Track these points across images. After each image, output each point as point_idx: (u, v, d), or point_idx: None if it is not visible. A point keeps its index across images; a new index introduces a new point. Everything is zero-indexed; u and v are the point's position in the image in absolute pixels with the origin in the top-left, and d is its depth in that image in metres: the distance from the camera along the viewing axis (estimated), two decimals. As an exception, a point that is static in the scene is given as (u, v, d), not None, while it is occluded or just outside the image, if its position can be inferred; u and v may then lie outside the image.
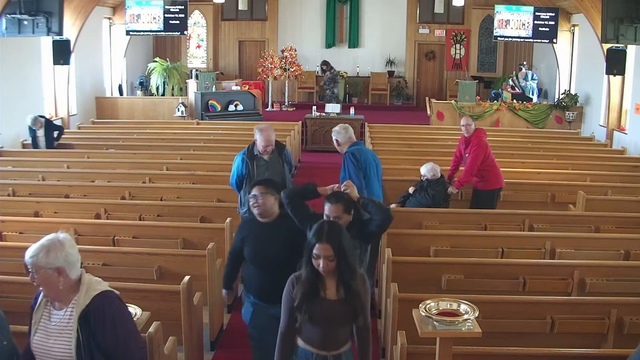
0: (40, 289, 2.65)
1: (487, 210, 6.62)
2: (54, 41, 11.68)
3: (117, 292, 2.75)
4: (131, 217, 6.15)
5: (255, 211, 3.80)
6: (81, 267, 2.71)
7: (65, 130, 11.43)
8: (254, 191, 3.78)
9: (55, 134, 9.95)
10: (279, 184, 4.09)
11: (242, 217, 5.42)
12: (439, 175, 6.68)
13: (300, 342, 3.00)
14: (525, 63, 15.32)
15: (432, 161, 8.61)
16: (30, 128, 9.71)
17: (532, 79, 14.47)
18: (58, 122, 11.80)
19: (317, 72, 16.95)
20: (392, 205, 6.76)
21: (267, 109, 16.75)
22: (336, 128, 5.53)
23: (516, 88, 14.52)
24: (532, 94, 14.33)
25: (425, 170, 6.66)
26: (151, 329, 3.25)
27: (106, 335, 2.58)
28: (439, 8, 17.80)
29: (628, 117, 11.72)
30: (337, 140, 5.50)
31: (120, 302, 2.72)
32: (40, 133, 9.72)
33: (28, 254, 2.60)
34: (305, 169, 11.33)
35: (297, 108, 16.51)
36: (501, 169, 8.16)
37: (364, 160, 5.28)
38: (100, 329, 2.58)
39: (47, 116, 12.15)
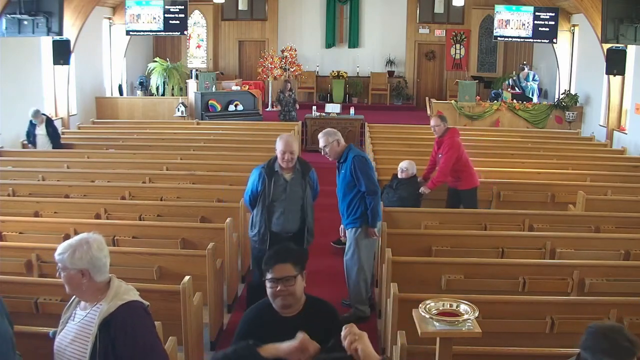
0: (66, 287, 2.63)
1: (487, 210, 6.61)
2: (54, 41, 11.68)
3: (146, 303, 2.69)
4: (131, 217, 6.14)
5: (277, 303, 2.68)
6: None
7: (65, 130, 11.45)
8: (275, 272, 2.67)
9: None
10: (302, 252, 2.86)
11: (251, 241, 4.99)
12: (413, 174, 6.69)
13: None
14: (526, 63, 15.28)
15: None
16: (30, 122, 9.66)
17: (533, 79, 14.46)
18: (57, 124, 11.83)
19: (281, 91, 14.08)
20: None
21: (267, 109, 16.76)
22: (329, 131, 5.17)
23: (516, 88, 14.52)
24: (532, 95, 14.33)
25: (408, 164, 6.67)
26: (151, 329, 3.23)
27: (127, 346, 2.51)
28: (439, 8, 17.81)
29: (628, 117, 11.72)
30: (338, 142, 5.12)
31: (145, 314, 2.66)
32: (40, 131, 9.65)
33: (57, 251, 2.60)
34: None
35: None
36: (501, 169, 8.22)
37: (370, 162, 5.24)
38: (121, 339, 2.51)
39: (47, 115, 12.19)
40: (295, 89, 14.58)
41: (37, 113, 9.61)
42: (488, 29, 17.12)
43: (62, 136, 10.66)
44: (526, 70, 14.59)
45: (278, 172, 4.75)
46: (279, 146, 4.72)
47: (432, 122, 6.83)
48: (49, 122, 9.86)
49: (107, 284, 2.64)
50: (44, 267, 4.87)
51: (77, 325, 2.60)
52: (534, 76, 14.49)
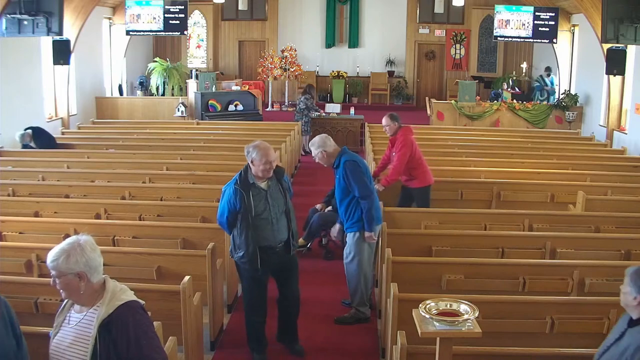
0: (62, 293, 2.60)
1: (487, 210, 6.60)
2: (54, 41, 11.68)
3: (142, 301, 2.69)
4: (131, 217, 6.15)
5: None
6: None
7: (65, 130, 11.45)
8: None
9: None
10: None
11: (236, 263, 4.59)
12: None
13: None
14: (550, 67, 14.97)
15: (432, 161, 8.65)
16: (24, 145, 9.55)
17: (551, 84, 14.30)
18: (55, 124, 11.82)
19: (299, 97, 12.94)
20: (317, 206, 6.86)
21: (267, 109, 16.76)
22: (316, 140, 5.15)
23: (542, 88, 14.30)
24: (537, 94, 14.24)
25: None
26: (151, 329, 3.23)
27: (129, 346, 2.51)
28: (439, 8, 17.81)
29: (628, 117, 11.72)
30: (325, 152, 5.09)
31: (143, 313, 2.66)
32: (34, 145, 9.55)
33: (49, 258, 2.55)
34: (305, 169, 11.33)
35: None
36: (501, 169, 8.21)
37: (364, 166, 5.18)
38: (123, 340, 2.51)
39: (47, 116, 12.18)
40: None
41: (22, 136, 9.46)
42: (488, 29, 17.12)
43: (62, 136, 10.68)
44: (551, 75, 14.42)
45: (254, 183, 4.35)
46: (259, 156, 4.27)
47: (383, 122, 6.83)
48: (37, 135, 9.59)
49: (103, 284, 2.63)
50: (44, 267, 4.85)
51: (75, 329, 2.59)
52: (551, 82, 14.28)
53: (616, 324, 3.08)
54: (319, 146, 5.12)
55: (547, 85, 14.26)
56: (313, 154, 5.21)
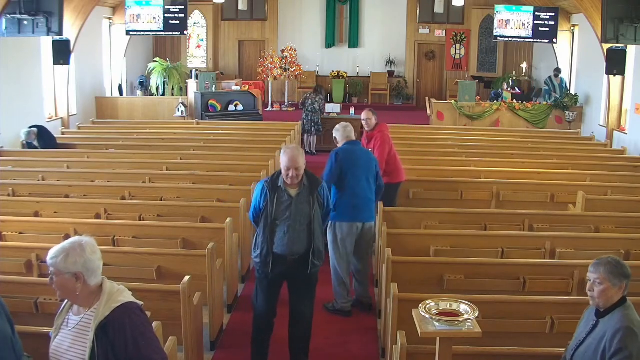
0: (58, 292, 2.60)
1: (487, 210, 6.59)
2: (54, 41, 11.68)
3: (140, 302, 2.68)
4: (131, 217, 6.14)
5: None
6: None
7: (65, 130, 11.45)
8: None
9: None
10: None
11: (254, 263, 4.48)
12: None
13: None
14: (560, 69, 14.82)
15: (432, 161, 8.67)
16: (27, 143, 9.60)
17: (560, 86, 14.12)
18: (55, 124, 11.79)
19: (306, 96, 12.41)
20: None
21: (267, 109, 16.76)
22: (337, 126, 5.66)
23: (550, 87, 14.21)
24: (545, 97, 14.18)
25: None
26: (151, 329, 3.23)
27: (127, 348, 2.51)
28: (439, 8, 17.81)
29: (628, 117, 11.72)
30: (335, 138, 5.64)
31: (141, 314, 2.65)
32: (37, 144, 9.60)
33: (49, 255, 2.55)
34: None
35: (297, 108, 16.50)
36: (501, 169, 8.21)
37: (345, 160, 5.34)
38: (121, 342, 2.50)
39: (47, 116, 12.17)
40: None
41: (28, 134, 9.52)
42: (488, 29, 17.13)
43: (62, 136, 10.68)
44: (560, 76, 14.32)
45: (281, 187, 4.24)
46: (283, 161, 4.20)
47: (364, 115, 6.85)
48: (41, 134, 9.67)
49: (100, 286, 2.62)
50: (44, 267, 4.86)
51: (73, 331, 2.59)
52: (561, 84, 14.13)
53: (580, 321, 3.17)
54: (334, 130, 5.67)
55: (555, 90, 14.10)
56: (334, 134, 5.73)
